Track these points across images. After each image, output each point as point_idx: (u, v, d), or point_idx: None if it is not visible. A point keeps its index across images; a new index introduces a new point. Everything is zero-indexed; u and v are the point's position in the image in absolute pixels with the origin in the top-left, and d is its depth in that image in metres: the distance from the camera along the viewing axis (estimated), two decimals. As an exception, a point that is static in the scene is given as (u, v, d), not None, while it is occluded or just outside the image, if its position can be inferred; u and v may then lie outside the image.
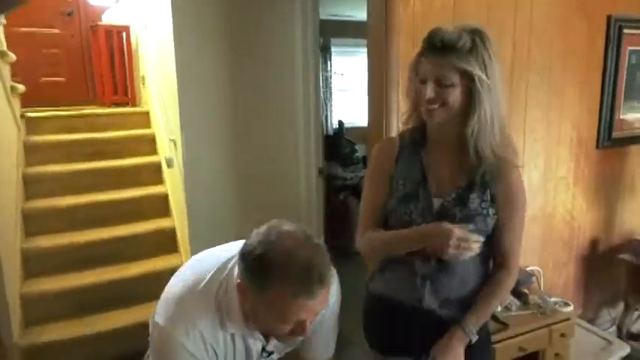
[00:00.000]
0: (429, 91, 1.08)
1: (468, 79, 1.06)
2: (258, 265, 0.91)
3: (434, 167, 1.20)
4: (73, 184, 3.23)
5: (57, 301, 2.71)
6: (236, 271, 1.00)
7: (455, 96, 1.08)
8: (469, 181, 1.15)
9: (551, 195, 2.35)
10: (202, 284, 1.03)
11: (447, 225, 1.07)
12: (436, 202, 1.16)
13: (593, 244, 2.56)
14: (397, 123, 1.84)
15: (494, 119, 1.10)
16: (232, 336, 1.05)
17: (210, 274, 1.04)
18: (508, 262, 1.20)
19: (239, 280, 0.97)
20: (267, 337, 1.10)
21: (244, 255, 0.94)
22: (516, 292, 1.83)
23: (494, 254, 1.23)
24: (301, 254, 0.91)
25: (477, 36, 1.07)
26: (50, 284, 2.75)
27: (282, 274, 0.89)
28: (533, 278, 1.98)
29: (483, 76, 1.06)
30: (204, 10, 2.53)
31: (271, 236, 0.93)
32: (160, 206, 3.34)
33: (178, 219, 3.10)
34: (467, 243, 1.05)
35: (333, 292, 1.08)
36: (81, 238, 2.98)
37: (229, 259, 1.05)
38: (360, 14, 4.41)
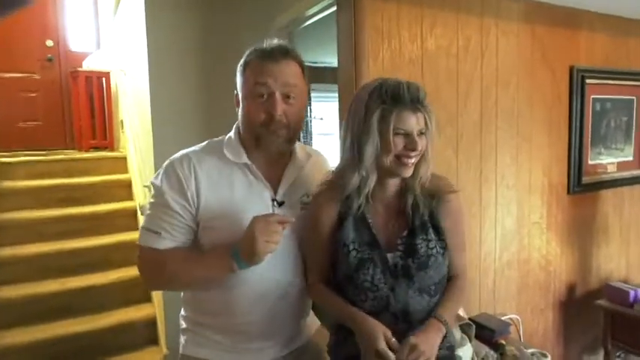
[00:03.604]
0: (420, 142, 1.10)
1: (427, 127, 1.12)
2: (244, 58, 1.20)
3: (379, 222, 1.17)
4: (44, 230, 3.16)
5: (23, 355, 2.58)
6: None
7: (424, 144, 1.12)
8: (408, 227, 1.15)
9: (526, 240, 2.36)
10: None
11: (380, 333, 1.04)
12: (390, 258, 1.13)
13: (570, 289, 2.55)
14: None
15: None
16: (229, 166, 1.18)
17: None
18: (463, 274, 1.25)
19: (235, 92, 1.22)
20: (274, 189, 1.20)
21: (238, 68, 1.21)
22: (493, 343, 1.79)
23: (448, 272, 1.23)
24: (272, 42, 1.18)
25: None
26: (16, 337, 2.63)
27: (255, 51, 1.17)
28: (511, 328, 1.94)
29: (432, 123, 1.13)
30: (180, 58, 2.57)
31: None
32: (134, 254, 3.25)
33: (152, 267, 3.02)
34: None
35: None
36: (50, 287, 2.88)
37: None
38: (335, 61, 4.55)
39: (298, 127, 1.20)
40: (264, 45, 1.18)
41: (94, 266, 3.08)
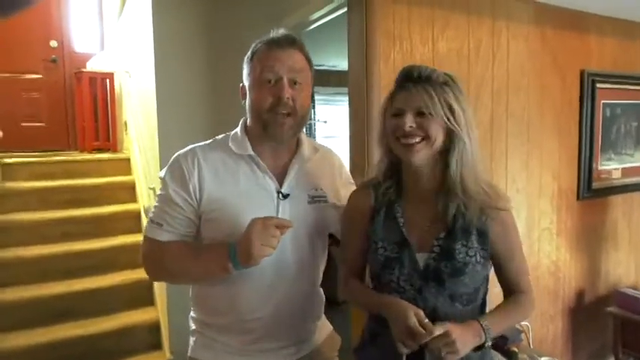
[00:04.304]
0: (409, 120, 1.03)
1: (448, 110, 1.03)
2: (251, 50, 1.20)
3: (412, 220, 1.12)
4: (47, 232, 3.12)
5: (25, 359, 2.53)
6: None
7: (436, 128, 1.03)
8: (448, 229, 1.07)
9: (536, 246, 2.33)
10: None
11: (411, 311, 0.99)
12: (420, 259, 1.08)
13: (580, 295, 2.52)
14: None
15: (475, 157, 1.06)
16: (235, 159, 1.19)
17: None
18: (520, 287, 1.14)
19: (241, 85, 1.22)
20: (280, 182, 1.19)
21: (245, 60, 1.22)
22: (506, 351, 1.76)
23: (504, 289, 1.16)
24: (278, 32, 1.19)
25: (450, 78, 1.07)
26: (18, 340, 2.58)
27: (262, 41, 1.18)
28: (522, 335, 1.92)
29: (460, 111, 1.04)
30: (186, 59, 2.55)
31: None
32: (138, 256, 3.21)
33: (155, 269, 2.99)
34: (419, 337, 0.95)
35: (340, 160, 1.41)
36: (52, 290, 2.84)
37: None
38: (342, 64, 4.54)
39: (305, 116, 1.19)
40: (272, 35, 1.19)
41: (98, 269, 3.04)
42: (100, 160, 3.91)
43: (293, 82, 1.14)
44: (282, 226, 1.04)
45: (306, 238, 1.21)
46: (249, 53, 1.20)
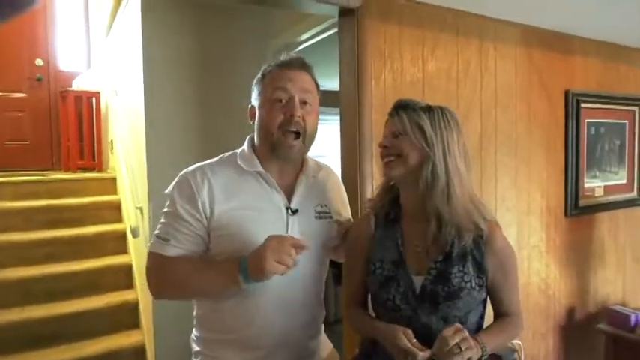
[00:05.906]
0: (385, 140, 1.15)
1: (418, 130, 1.10)
2: (261, 71, 1.23)
3: (410, 242, 1.16)
4: (30, 253, 3.03)
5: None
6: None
7: (409, 147, 1.10)
8: (445, 253, 1.11)
9: (526, 264, 2.34)
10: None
11: (400, 332, 1.03)
12: (417, 281, 1.12)
13: (570, 312, 2.53)
14: (372, 191, 1.82)
15: (452, 182, 1.09)
16: (244, 176, 1.19)
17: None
18: (517, 312, 1.19)
19: (250, 106, 1.25)
20: (288, 198, 1.20)
21: (255, 81, 1.24)
22: (499, 370, 1.75)
23: (495, 311, 1.20)
24: (289, 55, 1.22)
25: (439, 108, 1.14)
26: (-4, 367, 2.49)
27: (273, 63, 1.21)
28: (515, 355, 1.91)
29: (432, 132, 1.09)
30: (175, 78, 2.54)
31: None
32: (124, 278, 3.15)
33: (142, 291, 2.92)
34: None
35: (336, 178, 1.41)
36: (35, 313, 2.75)
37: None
38: (328, 84, 4.57)
39: (312, 136, 1.22)
40: (282, 57, 1.22)
41: (82, 291, 2.96)
42: (85, 180, 3.84)
43: (303, 102, 1.17)
44: (298, 246, 1.04)
45: (315, 252, 1.23)
46: (259, 75, 1.23)
